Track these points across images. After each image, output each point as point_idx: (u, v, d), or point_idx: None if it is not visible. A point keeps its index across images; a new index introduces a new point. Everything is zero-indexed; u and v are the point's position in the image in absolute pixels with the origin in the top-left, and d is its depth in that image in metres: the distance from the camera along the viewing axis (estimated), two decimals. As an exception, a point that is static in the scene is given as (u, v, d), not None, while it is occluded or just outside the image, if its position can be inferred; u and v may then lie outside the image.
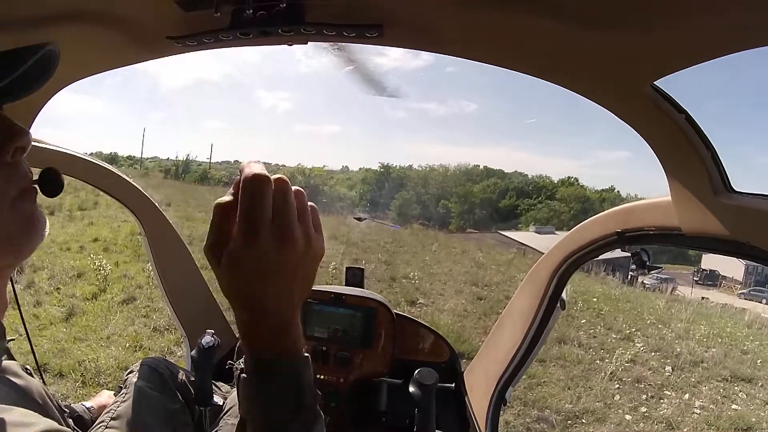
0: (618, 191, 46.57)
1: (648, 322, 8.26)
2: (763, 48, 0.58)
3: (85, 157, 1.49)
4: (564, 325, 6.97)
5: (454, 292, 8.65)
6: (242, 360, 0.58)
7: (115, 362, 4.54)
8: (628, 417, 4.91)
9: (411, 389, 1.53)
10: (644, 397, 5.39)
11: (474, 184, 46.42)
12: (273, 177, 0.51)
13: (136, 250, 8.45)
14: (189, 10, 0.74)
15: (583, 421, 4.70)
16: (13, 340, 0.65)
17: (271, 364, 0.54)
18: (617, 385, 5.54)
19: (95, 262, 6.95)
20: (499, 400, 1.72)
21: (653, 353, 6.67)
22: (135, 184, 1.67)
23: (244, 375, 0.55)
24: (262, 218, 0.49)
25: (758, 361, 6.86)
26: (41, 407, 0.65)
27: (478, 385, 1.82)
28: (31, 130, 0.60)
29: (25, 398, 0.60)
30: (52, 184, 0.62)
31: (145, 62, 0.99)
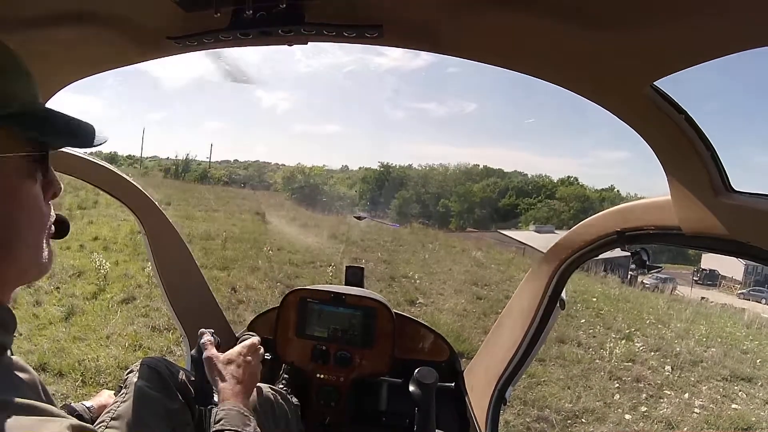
0: (618, 191, 46.54)
1: (647, 321, 8.27)
2: (763, 48, 0.58)
3: (84, 156, 1.49)
4: (564, 325, 6.98)
5: (454, 292, 8.66)
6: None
7: (115, 362, 4.55)
8: (627, 416, 4.92)
9: (411, 388, 1.53)
10: (644, 396, 5.40)
11: (474, 184, 46.37)
12: (212, 355, 1.15)
13: (136, 249, 8.46)
14: (189, 10, 0.74)
15: (583, 420, 4.71)
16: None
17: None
18: (617, 385, 5.55)
19: (95, 261, 6.95)
20: (499, 400, 1.72)
21: (653, 353, 6.68)
22: (135, 183, 1.67)
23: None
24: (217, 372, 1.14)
25: (758, 361, 6.87)
26: (45, 402, 0.65)
27: (478, 385, 1.82)
28: None
29: (33, 394, 0.60)
30: (63, 226, 0.73)
31: (145, 62, 0.99)
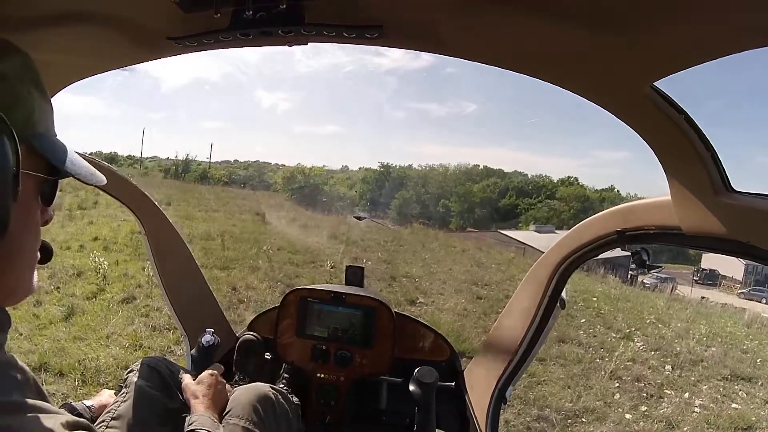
0: (618, 191, 46.55)
1: (648, 321, 8.27)
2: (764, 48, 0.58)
3: (84, 155, 1.49)
4: (564, 325, 6.98)
5: (454, 291, 8.65)
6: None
7: (115, 361, 4.54)
8: (628, 416, 4.92)
9: (411, 388, 1.53)
10: (644, 395, 5.40)
11: (474, 184, 46.37)
12: (185, 382, 1.29)
13: (136, 249, 8.46)
14: (189, 10, 0.74)
15: (583, 419, 4.71)
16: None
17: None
18: (617, 384, 5.55)
19: (95, 261, 6.95)
20: (499, 399, 1.72)
21: (653, 352, 6.67)
22: (135, 183, 1.67)
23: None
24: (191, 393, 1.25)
25: (758, 360, 6.87)
26: (41, 400, 0.66)
27: (479, 384, 1.82)
28: None
29: (28, 392, 0.61)
30: (46, 252, 0.74)
31: (145, 62, 0.99)
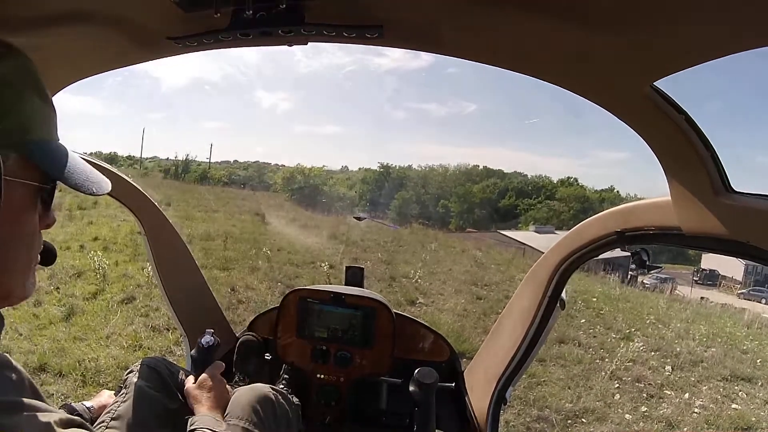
0: (618, 191, 46.55)
1: (648, 321, 8.26)
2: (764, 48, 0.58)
3: (84, 157, 1.49)
4: (564, 325, 6.97)
5: (454, 292, 8.65)
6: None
7: (115, 362, 4.54)
8: (628, 416, 4.91)
9: (411, 388, 1.53)
10: (644, 396, 5.39)
11: (473, 184, 46.36)
12: (187, 386, 1.30)
13: (136, 250, 8.46)
14: (189, 10, 0.74)
15: (583, 420, 4.70)
16: None
17: None
18: (617, 385, 5.55)
19: (95, 262, 6.95)
20: (499, 400, 1.72)
21: (653, 353, 6.67)
22: (135, 183, 1.67)
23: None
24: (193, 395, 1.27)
25: (758, 361, 6.86)
26: (36, 399, 0.66)
27: (478, 385, 1.82)
28: None
29: (21, 391, 0.61)
30: (49, 254, 0.74)
31: (145, 63, 0.99)
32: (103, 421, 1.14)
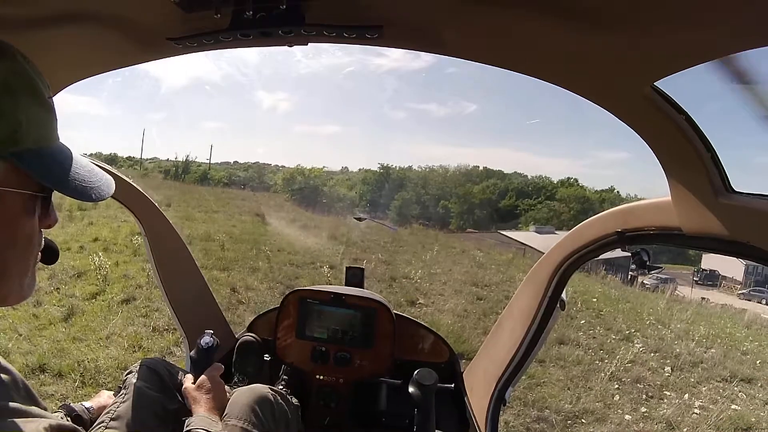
0: (618, 191, 46.60)
1: (647, 322, 8.26)
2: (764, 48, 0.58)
3: (84, 157, 1.49)
4: (564, 326, 6.97)
5: (454, 292, 8.64)
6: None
7: (115, 362, 4.53)
8: (627, 417, 4.91)
9: (410, 389, 1.53)
10: (644, 397, 5.39)
11: (474, 185, 46.42)
12: (185, 386, 1.28)
13: (136, 250, 8.45)
14: (189, 11, 0.74)
15: (583, 421, 4.70)
16: None
17: None
18: (617, 386, 5.54)
19: (95, 262, 6.95)
20: (498, 401, 1.72)
21: (653, 353, 6.67)
22: (135, 184, 1.67)
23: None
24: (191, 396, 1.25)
25: (758, 362, 6.86)
26: (28, 402, 0.65)
27: (478, 386, 1.82)
28: None
29: (14, 394, 0.60)
30: (51, 253, 0.74)
31: (145, 63, 0.99)
32: (102, 422, 1.14)
